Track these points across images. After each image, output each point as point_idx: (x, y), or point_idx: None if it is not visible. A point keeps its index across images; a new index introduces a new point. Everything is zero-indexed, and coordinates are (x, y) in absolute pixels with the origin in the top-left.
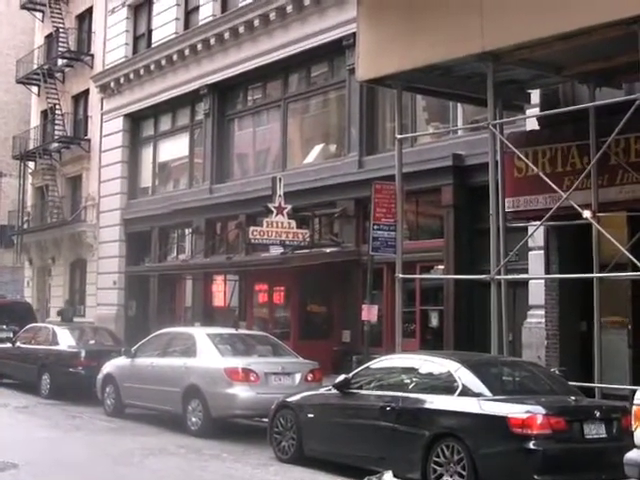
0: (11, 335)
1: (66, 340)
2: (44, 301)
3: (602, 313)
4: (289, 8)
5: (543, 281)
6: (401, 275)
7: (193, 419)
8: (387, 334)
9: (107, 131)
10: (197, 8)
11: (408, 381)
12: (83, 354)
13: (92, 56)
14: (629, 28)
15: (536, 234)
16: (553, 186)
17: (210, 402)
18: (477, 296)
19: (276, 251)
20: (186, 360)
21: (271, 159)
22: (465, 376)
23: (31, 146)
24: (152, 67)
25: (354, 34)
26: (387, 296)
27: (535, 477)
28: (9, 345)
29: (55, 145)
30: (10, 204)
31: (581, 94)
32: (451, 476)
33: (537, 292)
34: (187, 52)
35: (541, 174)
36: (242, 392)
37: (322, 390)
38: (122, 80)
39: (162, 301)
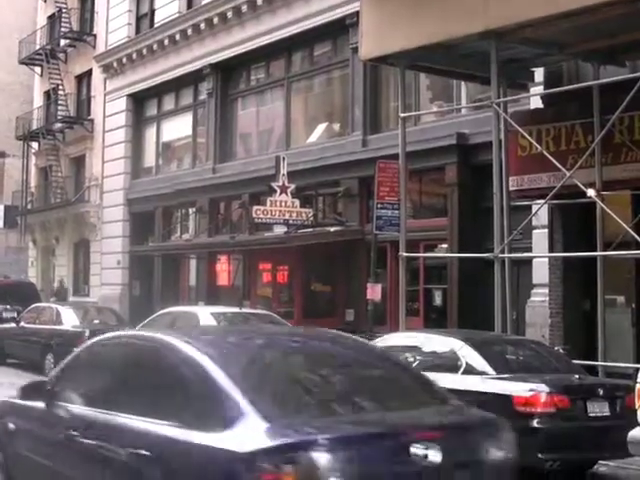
0: (15, 315)
1: (70, 320)
2: (48, 281)
3: (606, 292)
4: None
5: (547, 260)
6: (405, 254)
7: None
8: (391, 313)
9: (110, 111)
10: None
11: (412, 359)
12: (87, 334)
13: (95, 36)
14: (633, 6)
15: (540, 213)
16: (557, 164)
17: None
18: (481, 275)
19: (280, 230)
20: None
21: (274, 138)
22: (469, 354)
23: (34, 127)
24: (155, 47)
25: (357, 12)
26: (391, 275)
27: (539, 455)
28: (13, 325)
29: (58, 125)
30: (14, 185)
31: (585, 72)
32: None
33: (541, 271)
34: (190, 32)
35: (545, 152)
36: None
37: None
38: (125, 60)
39: (166, 281)
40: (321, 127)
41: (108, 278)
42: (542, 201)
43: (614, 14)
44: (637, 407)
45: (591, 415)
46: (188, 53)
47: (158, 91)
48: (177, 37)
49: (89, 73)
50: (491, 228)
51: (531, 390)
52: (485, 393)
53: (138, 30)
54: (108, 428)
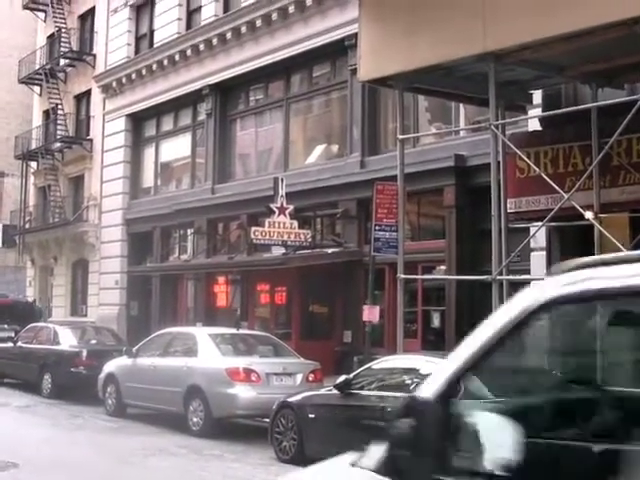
0: (13, 335)
1: (68, 340)
2: (46, 301)
3: None
4: (291, 8)
5: None
6: (403, 275)
7: (194, 419)
8: (389, 334)
9: (109, 131)
10: (199, 8)
11: (409, 382)
12: (84, 354)
13: (94, 56)
14: (631, 29)
15: (538, 235)
16: (555, 187)
17: (211, 402)
18: (479, 297)
19: (278, 251)
20: (187, 360)
21: (273, 159)
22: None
23: (33, 146)
24: (154, 67)
25: (356, 34)
26: (389, 296)
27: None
28: (11, 345)
29: (57, 145)
30: (12, 204)
31: (583, 94)
32: None
33: None
34: (189, 52)
35: (543, 175)
36: (243, 392)
37: (323, 390)
38: (124, 80)
39: (164, 301)
40: (320, 148)
41: (106, 298)
42: (540, 223)
43: (611, 37)
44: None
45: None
46: (187, 74)
47: (157, 111)
48: (176, 58)
49: (88, 93)
50: (489, 250)
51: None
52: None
53: (137, 50)
54: None
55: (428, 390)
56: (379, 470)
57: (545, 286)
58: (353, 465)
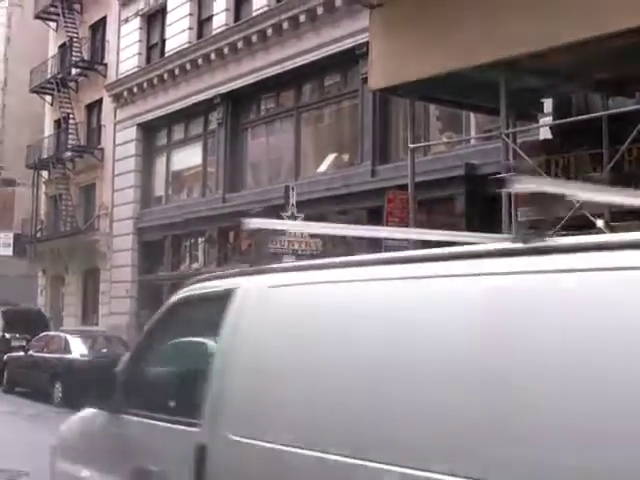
0: (24, 343)
1: (78, 348)
2: (57, 310)
3: None
4: (302, 17)
5: None
6: None
7: None
8: None
9: (120, 140)
10: (210, 18)
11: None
12: (95, 363)
13: (105, 65)
14: None
15: None
16: (566, 195)
17: None
18: None
19: (289, 260)
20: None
21: (284, 168)
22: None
23: (44, 155)
24: (165, 76)
25: (367, 43)
26: None
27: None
28: (22, 353)
29: (68, 154)
30: (24, 213)
31: (594, 102)
32: None
33: None
34: (200, 61)
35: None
36: None
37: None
38: (135, 89)
39: None
40: (330, 157)
41: (117, 307)
42: (551, 232)
43: (622, 45)
44: None
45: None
46: (198, 83)
47: (168, 120)
48: (187, 67)
49: (99, 102)
50: None
51: None
52: None
53: (149, 60)
54: None
55: (122, 364)
56: (99, 407)
57: (179, 291)
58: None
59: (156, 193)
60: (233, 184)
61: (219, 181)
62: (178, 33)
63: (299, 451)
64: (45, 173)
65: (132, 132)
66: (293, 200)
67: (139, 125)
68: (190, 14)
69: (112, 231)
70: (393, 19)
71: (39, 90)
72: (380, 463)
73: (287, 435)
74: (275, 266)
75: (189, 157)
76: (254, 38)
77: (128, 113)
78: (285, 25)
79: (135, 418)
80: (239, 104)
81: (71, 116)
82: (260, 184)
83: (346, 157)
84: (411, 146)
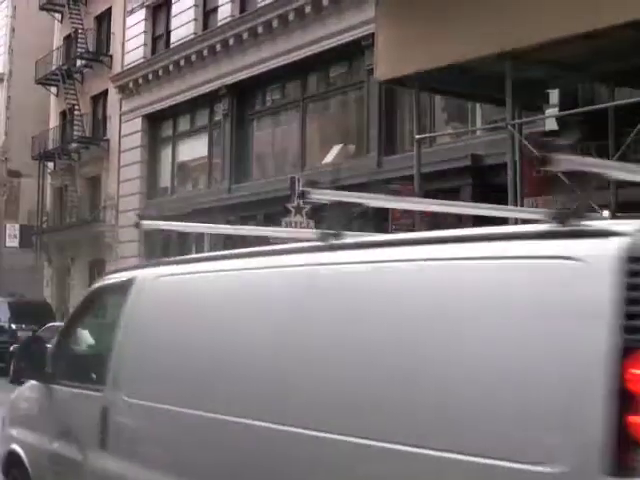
0: (30, 334)
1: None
2: (63, 301)
3: None
4: (308, 9)
5: None
6: None
7: None
8: None
9: (126, 131)
10: (216, 9)
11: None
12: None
13: (111, 57)
14: None
15: None
16: (571, 186)
17: None
18: None
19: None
20: None
21: (290, 159)
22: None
23: (50, 147)
24: (171, 68)
25: (373, 34)
26: None
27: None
28: None
29: (74, 145)
30: (29, 204)
31: (600, 93)
32: None
33: None
34: (206, 53)
35: (560, 174)
36: None
37: None
38: (141, 81)
39: None
40: (336, 148)
41: None
42: None
43: (629, 36)
44: None
45: None
46: (204, 74)
47: (174, 112)
48: (193, 58)
49: (105, 93)
50: None
51: None
52: None
53: (154, 51)
54: None
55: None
56: (36, 378)
57: (96, 281)
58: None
59: (162, 184)
60: (239, 175)
61: (225, 172)
62: (183, 24)
63: (176, 409)
64: (51, 164)
65: (138, 123)
66: (299, 191)
67: (145, 116)
68: (195, 5)
69: (118, 222)
70: (399, 10)
71: (44, 82)
72: (229, 416)
73: (167, 397)
74: (164, 259)
75: (195, 148)
76: (260, 29)
77: (134, 104)
78: (291, 16)
79: (61, 387)
80: (245, 95)
81: (76, 107)
82: (266, 175)
83: (352, 148)
84: (417, 137)
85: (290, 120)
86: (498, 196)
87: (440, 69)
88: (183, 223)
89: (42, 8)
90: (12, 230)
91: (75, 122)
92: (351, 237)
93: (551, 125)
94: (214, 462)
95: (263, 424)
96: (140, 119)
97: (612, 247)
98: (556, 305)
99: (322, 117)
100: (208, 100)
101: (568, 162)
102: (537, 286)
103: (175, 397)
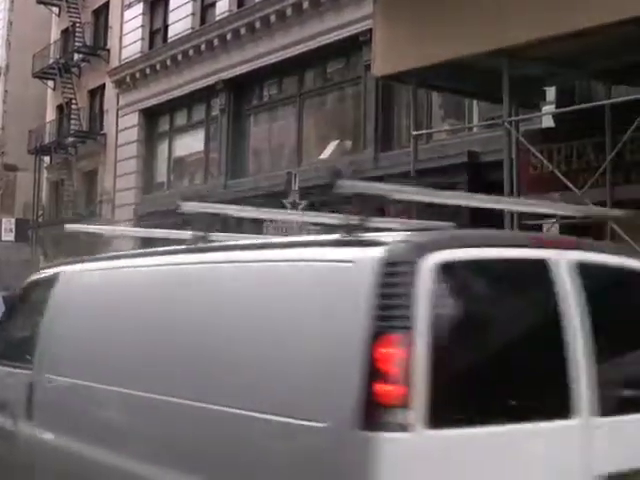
0: None
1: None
2: None
3: None
4: (305, 4)
5: None
6: None
7: None
8: None
9: (123, 126)
10: (213, 3)
11: None
12: None
13: (108, 51)
14: None
15: (551, 232)
16: (568, 184)
17: None
18: None
19: None
20: None
21: (286, 155)
22: None
23: (47, 140)
24: (168, 62)
25: (370, 30)
26: None
27: None
28: None
29: (70, 140)
30: (25, 198)
31: (597, 91)
32: None
33: None
34: (203, 47)
35: (556, 171)
36: None
37: None
38: (138, 75)
39: None
40: (333, 144)
41: None
42: (553, 220)
43: (626, 34)
44: None
45: None
46: (201, 69)
47: (171, 106)
48: (190, 53)
49: (102, 88)
50: None
51: None
52: None
53: (151, 45)
54: None
55: None
56: None
57: (30, 276)
58: None
59: (158, 179)
60: (235, 170)
61: (221, 167)
62: (181, 19)
63: (90, 384)
64: (47, 158)
65: (134, 118)
66: (296, 187)
67: (142, 111)
68: (193, 0)
69: (114, 217)
70: (397, 6)
71: (41, 75)
72: (130, 389)
73: (83, 374)
74: (85, 257)
75: (191, 143)
76: (257, 24)
77: (131, 99)
78: (288, 11)
79: (1, 367)
80: (242, 90)
81: (73, 101)
82: (262, 170)
83: (349, 144)
84: (414, 133)
85: (287, 115)
86: (494, 193)
87: (437, 65)
88: (110, 227)
89: (40, 1)
90: (8, 224)
91: (72, 116)
92: (216, 239)
93: (548, 122)
94: (118, 428)
95: (152, 395)
96: (137, 114)
97: (375, 254)
98: (334, 297)
99: (319, 113)
100: (205, 95)
101: (351, 187)
102: (322, 282)
103: (89, 374)
